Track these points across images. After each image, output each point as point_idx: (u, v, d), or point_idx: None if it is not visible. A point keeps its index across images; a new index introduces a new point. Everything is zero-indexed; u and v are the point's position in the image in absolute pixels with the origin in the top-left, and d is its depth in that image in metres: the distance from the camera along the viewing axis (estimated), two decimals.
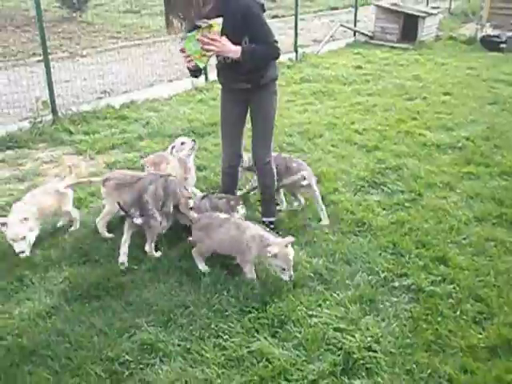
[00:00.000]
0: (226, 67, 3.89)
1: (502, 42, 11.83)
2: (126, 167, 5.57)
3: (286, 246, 3.58)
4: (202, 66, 3.71)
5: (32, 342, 3.19)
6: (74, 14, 15.12)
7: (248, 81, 3.93)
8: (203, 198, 4.26)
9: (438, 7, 16.23)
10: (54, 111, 7.03)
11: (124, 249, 3.95)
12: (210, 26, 3.57)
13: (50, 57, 7.08)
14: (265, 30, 3.76)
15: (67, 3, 14.85)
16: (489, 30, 12.75)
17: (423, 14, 12.31)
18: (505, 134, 6.41)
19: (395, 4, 12.55)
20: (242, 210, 4.16)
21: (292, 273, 3.58)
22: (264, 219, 4.33)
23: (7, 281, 3.75)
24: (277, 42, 3.81)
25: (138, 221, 3.91)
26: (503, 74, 9.56)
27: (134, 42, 12.06)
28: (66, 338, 3.21)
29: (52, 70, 7.04)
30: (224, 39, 3.62)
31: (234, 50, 3.65)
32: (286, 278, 3.58)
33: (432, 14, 12.85)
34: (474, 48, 12.11)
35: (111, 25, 14.31)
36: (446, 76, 9.34)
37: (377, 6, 12.76)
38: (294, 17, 10.91)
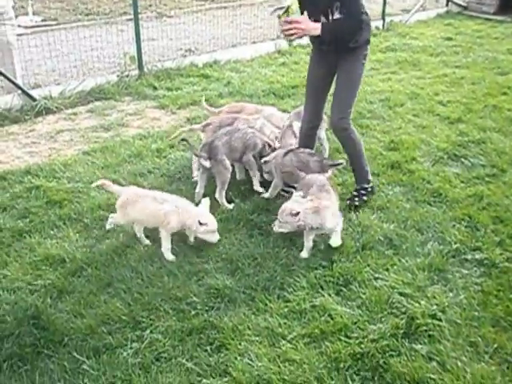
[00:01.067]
0: None
1: None
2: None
3: None
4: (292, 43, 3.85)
5: (109, 275, 3.41)
6: None
7: (335, 46, 3.91)
8: (287, 153, 4.16)
9: None
10: (140, 67, 7.26)
11: (198, 189, 4.19)
12: (287, 10, 3.64)
13: (139, 16, 7.29)
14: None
15: None
16: None
17: None
18: None
19: None
20: (330, 172, 4.10)
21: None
22: (357, 187, 4.23)
23: (90, 219, 4.00)
24: (363, 13, 3.76)
25: (205, 163, 4.07)
26: None
27: (220, 5, 12.12)
28: (139, 274, 3.41)
29: (140, 28, 7.25)
30: (303, 18, 3.70)
31: (314, 28, 3.68)
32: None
33: None
34: None
35: None
36: None
37: None
38: None
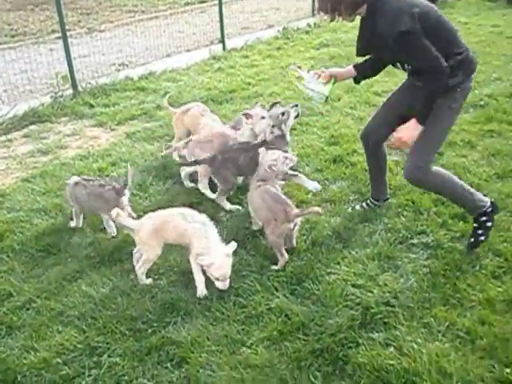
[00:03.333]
0: None
1: None
2: (145, 137, 5.65)
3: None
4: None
5: (60, 304, 3.32)
6: None
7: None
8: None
9: None
10: (74, 85, 7.12)
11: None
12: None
13: (68, 33, 7.15)
14: (418, 51, 3.12)
15: None
16: None
17: None
18: None
19: None
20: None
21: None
22: (474, 224, 3.63)
23: (35, 248, 3.87)
24: (450, 54, 3.15)
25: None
26: None
27: (151, 15, 12.02)
28: (92, 298, 3.33)
29: (71, 45, 7.11)
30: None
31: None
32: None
33: None
34: (498, 5, 11.71)
35: None
36: (469, 35, 9.06)
37: None
38: None
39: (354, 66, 3.72)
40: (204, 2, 13.10)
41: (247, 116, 4.39)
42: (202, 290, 3.32)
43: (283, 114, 4.18)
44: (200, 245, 3.29)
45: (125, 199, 3.91)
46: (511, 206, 4.02)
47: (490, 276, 3.37)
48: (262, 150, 4.02)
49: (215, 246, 3.31)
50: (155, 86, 7.29)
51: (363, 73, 3.76)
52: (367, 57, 3.66)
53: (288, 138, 4.28)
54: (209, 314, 3.17)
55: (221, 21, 9.05)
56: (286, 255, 3.51)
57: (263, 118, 4.31)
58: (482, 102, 5.95)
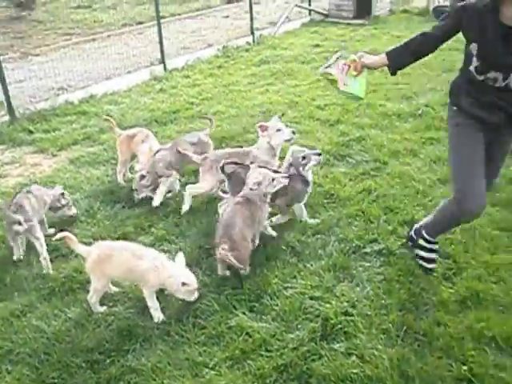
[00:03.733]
0: (481, 89, 3.09)
1: None
2: (89, 161, 5.51)
3: None
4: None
5: (9, 341, 3.16)
6: (23, 13, 14.72)
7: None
8: None
9: None
10: (10, 112, 6.86)
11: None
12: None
13: (1, 57, 6.91)
14: None
15: (14, 2, 14.46)
16: (440, 1, 12.92)
17: None
18: None
19: None
20: None
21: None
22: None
23: None
24: None
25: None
26: (456, 42, 9.62)
27: (87, 37, 11.83)
28: (43, 333, 3.19)
29: (5, 70, 6.87)
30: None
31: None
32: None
33: None
34: (427, 19, 12.24)
35: (63, 22, 13.98)
36: None
37: None
38: (248, 0, 10.89)
39: (387, 54, 3.37)
40: (141, 23, 13.03)
41: (262, 128, 4.34)
42: (158, 316, 3.24)
43: (304, 158, 4.00)
44: (161, 278, 3.21)
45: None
46: None
47: (441, 278, 3.48)
48: (252, 165, 3.93)
49: (172, 267, 3.25)
50: (97, 110, 7.14)
51: (401, 61, 3.39)
52: (401, 43, 3.39)
53: (309, 178, 4.11)
54: (168, 339, 3.10)
55: (160, 41, 9.01)
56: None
57: (279, 130, 4.30)
58: (419, 112, 6.18)
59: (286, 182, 3.80)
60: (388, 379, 2.76)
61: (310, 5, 13.02)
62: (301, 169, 4.01)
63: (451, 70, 7.84)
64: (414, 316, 3.18)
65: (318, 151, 4.09)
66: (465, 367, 2.82)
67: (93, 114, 7.02)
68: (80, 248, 3.36)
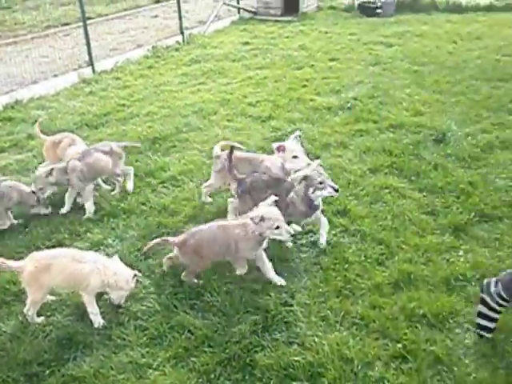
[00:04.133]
0: None
1: (377, 8, 12.44)
2: (18, 169, 5.32)
3: None
4: None
5: None
6: None
7: None
8: None
9: None
10: None
11: None
12: None
13: None
14: None
15: None
16: None
17: None
18: (388, 91, 6.82)
19: None
20: None
21: None
22: None
23: None
24: None
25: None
26: (382, 36, 10.08)
27: (9, 40, 11.34)
28: None
29: None
30: None
31: None
32: None
33: None
34: (353, 15, 12.62)
35: None
36: (330, 43, 9.69)
37: None
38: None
39: None
40: (67, 24, 12.64)
41: (280, 149, 4.20)
42: (98, 321, 3.20)
43: (321, 183, 3.69)
44: (106, 278, 3.19)
45: None
46: (385, 197, 4.36)
47: (375, 264, 3.64)
48: (270, 199, 3.54)
49: (115, 265, 3.29)
50: (24, 115, 6.88)
51: None
52: None
53: (315, 202, 3.76)
54: (110, 343, 3.07)
55: (87, 43, 8.79)
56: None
57: (296, 157, 4.15)
58: (348, 105, 6.38)
59: (289, 238, 3.49)
60: (329, 363, 2.86)
61: (238, 3, 13.10)
62: (311, 190, 3.71)
63: (377, 63, 8.18)
64: (350, 301, 3.31)
65: (336, 187, 3.75)
66: (399, 345, 2.97)
67: (19, 119, 6.76)
68: (13, 265, 3.25)
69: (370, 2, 12.64)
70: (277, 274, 3.51)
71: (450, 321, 3.15)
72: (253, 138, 5.59)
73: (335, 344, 2.97)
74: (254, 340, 3.03)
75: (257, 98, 6.83)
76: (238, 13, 12.95)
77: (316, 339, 3.01)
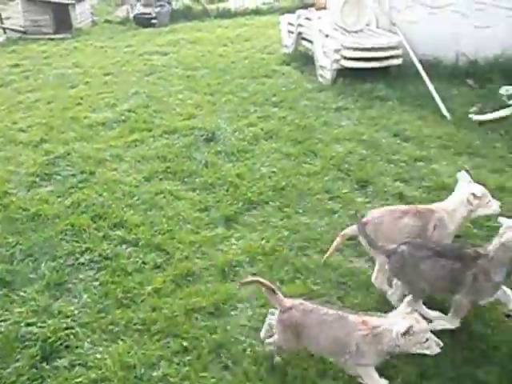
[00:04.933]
0: None
1: (152, 18, 12.68)
2: None
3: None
4: None
5: None
6: None
7: None
8: None
9: None
10: None
11: None
12: None
13: None
14: None
15: None
16: (140, 8, 13.44)
17: (72, 2, 12.26)
18: (161, 99, 7.03)
19: None
20: None
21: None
22: None
23: None
24: None
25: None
26: (157, 46, 10.30)
27: None
28: None
29: None
30: None
31: None
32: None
33: (81, 1, 12.90)
34: (129, 27, 12.68)
35: None
36: (105, 58, 9.59)
37: None
38: None
39: None
40: None
41: (476, 197, 3.33)
42: None
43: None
44: None
45: None
46: (160, 202, 4.54)
47: (153, 268, 3.77)
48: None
49: None
50: None
51: None
52: None
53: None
54: None
55: None
56: None
57: (489, 202, 3.34)
58: (123, 117, 6.42)
59: (438, 351, 2.62)
60: (112, 376, 2.90)
61: (2, 23, 12.26)
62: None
63: (152, 73, 8.37)
64: (131, 310, 3.39)
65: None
66: (180, 340, 3.13)
67: None
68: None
69: (144, 14, 12.82)
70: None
71: (226, 306, 3.40)
72: (24, 165, 5.32)
73: (117, 355, 3.02)
74: (32, 375, 2.93)
75: (28, 123, 6.49)
76: (5, 33, 12.13)
77: (98, 355, 3.03)
